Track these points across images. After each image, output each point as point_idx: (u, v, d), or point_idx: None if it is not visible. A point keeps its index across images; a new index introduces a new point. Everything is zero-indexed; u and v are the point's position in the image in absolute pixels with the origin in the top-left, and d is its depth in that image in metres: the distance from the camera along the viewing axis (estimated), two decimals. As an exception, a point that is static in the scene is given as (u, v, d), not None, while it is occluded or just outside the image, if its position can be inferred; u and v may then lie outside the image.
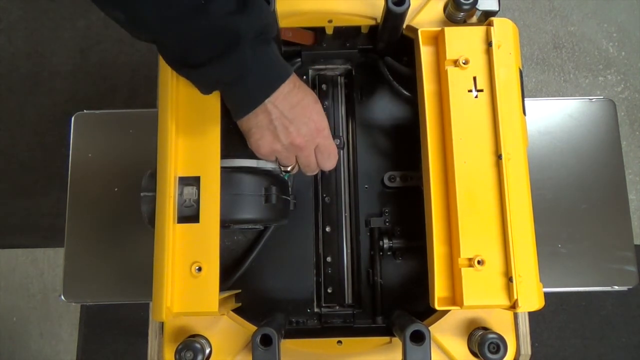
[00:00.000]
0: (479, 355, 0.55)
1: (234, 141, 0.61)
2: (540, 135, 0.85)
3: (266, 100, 0.54)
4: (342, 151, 0.73)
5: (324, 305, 0.69)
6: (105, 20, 1.59)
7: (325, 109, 0.73)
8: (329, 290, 0.70)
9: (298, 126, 0.56)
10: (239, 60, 0.50)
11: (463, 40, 0.59)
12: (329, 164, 0.62)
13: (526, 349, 0.66)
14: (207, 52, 0.50)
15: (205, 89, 0.56)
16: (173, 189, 0.55)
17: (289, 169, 0.62)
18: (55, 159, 1.51)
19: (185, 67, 0.52)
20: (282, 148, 0.58)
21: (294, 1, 0.66)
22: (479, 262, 0.55)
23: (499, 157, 0.56)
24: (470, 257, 0.55)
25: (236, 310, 0.62)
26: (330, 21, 0.66)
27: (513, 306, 0.54)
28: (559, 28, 1.60)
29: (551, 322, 1.41)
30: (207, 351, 0.58)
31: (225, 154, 0.59)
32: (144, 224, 0.58)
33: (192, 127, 0.58)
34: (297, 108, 0.56)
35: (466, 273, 0.55)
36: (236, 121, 0.57)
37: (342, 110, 0.74)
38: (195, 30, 0.48)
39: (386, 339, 0.60)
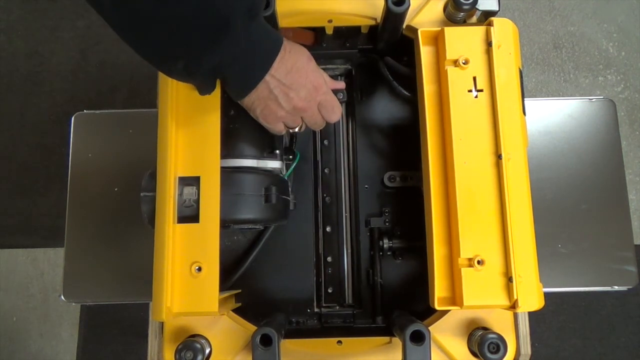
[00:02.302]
0: (479, 355, 0.55)
1: (234, 141, 0.62)
2: (540, 135, 0.85)
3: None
4: (342, 149, 0.73)
5: (324, 305, 0.69)
6: (105, 20, 1.59)
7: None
8: (329, 290, 0.70)
9: (297, 90, 0.56)
10: (232, 42, 0.49)
11: (463, 40, 0.59)
12: (334, 117, 0.62)
13: (526, 349, 0.66)
14: (198, 37, 0.48)
15: (204, 81, 0.55)
16: (173, 189, 0.55)
17: (296, 129, 0.62)
18: (55, 159, 1.51)
19: (179, 61, 0.50)
20: (287, 114, 0.57)
21: (294, 1, 0.66)
22: (478, 262, 0.55)
23: (499, 157, 0.56)
24: (470, 257, 0.55)
25: (236, 310, 0.62)
26: (330, 21, 0.66)
27: (513, 306, 0.54)
28: (559, 28, 1.60)
29: (551, 322, 1.41)
30: (207, 351, 0.58)
31: (225, 154, 0.59)
32: (144, 224, 0.58)
33: (192, 128, 0.58)
34: (293, 72, 0.55)
35: (466, 273, 0.55)
36: (238, 101, 0.57)
37: (342, 110, 0.74)
38: (187, 11, 0.45)
39: (386, 339, 0.60)
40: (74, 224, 0.82)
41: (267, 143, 0.64)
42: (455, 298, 0.56)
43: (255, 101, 0.56)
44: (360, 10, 0.66)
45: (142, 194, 0.57)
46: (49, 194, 1.50)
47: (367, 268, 0.70)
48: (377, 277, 0.69)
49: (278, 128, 0.60)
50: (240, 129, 0.62)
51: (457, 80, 0.59)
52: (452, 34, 0.59)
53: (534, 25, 1.60)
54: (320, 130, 0.73)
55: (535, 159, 0.83)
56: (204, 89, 0.56)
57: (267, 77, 0.54)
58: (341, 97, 0.64)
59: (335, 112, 0.61)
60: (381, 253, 0.69)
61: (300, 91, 0.56)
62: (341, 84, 0.65)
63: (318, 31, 0.69)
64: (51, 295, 1.46)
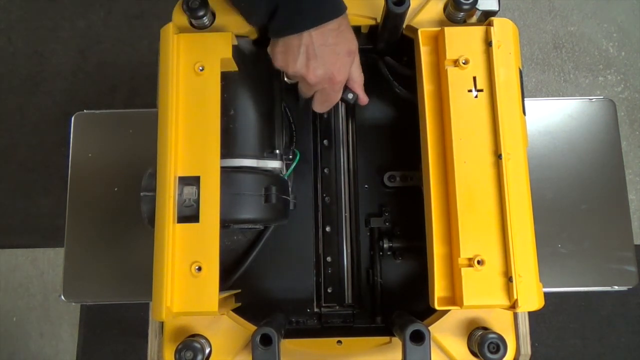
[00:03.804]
0: (479, 355, 0.55)
1: (234, 141, 0.62)
2: (540, 135, 0.85)
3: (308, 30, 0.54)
4: (342, 149, 0.73)
5: (324, 305, 0.69)
6: (105, 20, 1.59)
7: (325, 109, 0.73)
8: (329, 290, 0.70)
9: (317, 65, 0.56)
10: None
11: (463, 40, 0.59)
12: (319, 108, 0.64)
13: (526, 349, 0.66)
14: None
15: (264, 4, 0.54)
16: (173, 189, 0.55)
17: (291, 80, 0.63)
18: (55, 159, 1.51)
19: None
20: (292, 72, 0.58)
21: (294, 1, 0.66)
22: (479, 262, 0.55)
23: (498, 157, 0.56)
24: (470, 257, 0.55)
25: (236, 310, 0.62)
26: (330, 21, 0.66)
27: (513, 306, 0.54)
28: (559, 28, 1.60)
29: (551, 322, 1.41)
30: (207, 351, 0.58)
31: (225, 153, 0.59)
32: (144, 224, 0.58)
33: (192, 127, 0.58)
34: (327, 49, 0.55)
35: (466, 273, 0.55)
36: (272, 37, 0.58)
37: (342, 110, 0.74)
38: None
39: (386, 339, 0.60)
40: (74, 224, 0.82)
41: (267, 143, 0.64)
42: (455, 298, 0.56)
43: (281, 45, 0.56)
44: (360, 10, 0.66)
45: (142, 194, 0.57)
46: (49, 194, 1.50)
47: (367, 268, 0.70)
48: (377, 277, 0.69)
49: (277, 64, 0.59)
50: (240, 129, 0.62)
51: (457, 80, 0.59)
52: (452, 34, 0.59)
53: (534, 25, 1.60)
54: (320, 130, 0.73)
55: (535, 159, 0.83)
56: (256, 13, 0.56)
57: (305, 34, 0.54)
58: (350, 97, 0.65)
59: (324, 107, 0.63)
60: (381, 253, 0.69)
61: (319, 69, 0.56)
62: (363, 99, 0.66)
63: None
64: (51, 295, 1.46)
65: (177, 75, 0.59)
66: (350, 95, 0.65)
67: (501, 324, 0.59)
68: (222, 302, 0.57)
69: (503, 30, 0.59)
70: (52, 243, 1.47)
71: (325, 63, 0.56)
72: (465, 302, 0.54)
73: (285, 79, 0.62)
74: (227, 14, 0.64)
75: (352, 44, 0.58)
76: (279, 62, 0.58)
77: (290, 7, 0.53)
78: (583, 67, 1.57)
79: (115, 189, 0.83)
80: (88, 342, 1.42)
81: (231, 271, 0.67)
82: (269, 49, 0.59)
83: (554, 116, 0.86)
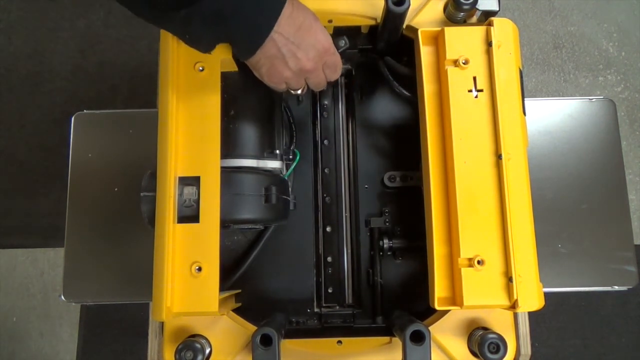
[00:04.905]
0: (479, 355, 0.55)
1: (234, 141, 0.62)
2: (540, 135, 0.85)
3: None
4: (342, 149, 0.73)
5: (324, 305, 0.69)
6: (105, 20, 1.59)
7: (325, 109, 0.73)
8: (329, 290, 0.70)
9: (306, 50, 0.54)
10: None
11: (463, 40, 0.59)
12: (334, 76, 0.61)
13: (526, 349, 0.66)
14: None
15: (206, 33, 0.52)
16: (173, 189, 0.55)
17: (299, 92, 0.60)
18: (55, 159, 1.51)
19: (182, 9, 0.47)
20: (292, 74, 0.56)
21: (294, 1, 0.66)
22: (479, 262, 0.55)
23: (499, 157, 0.56)
24: (470, 257, 0.55)
25: (236, 310, 0.62)
26: (330, 21, 0.66)
27: (513, 306, 0.54)
28: (559, 28, 1.60)
29: (551, 322, 1.41)
30: (207, 351, 0.58)
31: (225, 154, 0.59)
32: (144, 224, 0.58)
33: (192, 127, 0.58)
34: (301, 31, 0.53)
35: (466, 273, 0.55)
36: (245, 61, 0.55)
37: (342, 110, 0.74)
38: None
39: (386, 339, 0.60)
40: (74, 224, 0.82)
41: (267, 143, 0.64)
42: (455, 298, 0.56)
43: (262, 59, 0.54)
44: (360, 10, 0.66)
45: (142, 194, 0.57)
46: (49, 194, 1.50)
47: (367, 268, 0.70)
48: (377, 277, 0.69)
49: (281, 87, 0.58)
50: (240, 129, 0.62)
51: (457, 80, 0.59)
52: (452, 34, 0.59)
53: (534, 25, 1.60)
54: (320, 130, 0.73)
55: (535, 159, 0.83)
56: (203, 42, 0.54)
57: (275, 35, 0.52)
58: (343, 44, 0.61)
59: (337, 71, 0.60)
60: (381, 253, 0.69)
61: (310, 52, 0.54)
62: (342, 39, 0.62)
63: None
64: (51, 295, 1.46)
65: (177, 75, 0.59)
66: (342, 42, 0.61)
67: (501, 324, 0.59)
68: (222, 302, 0.57)
69: (503, 30, 0.59)
70: (52, 243, 1.47)
71: (309, 43, 0.54)
72: (466, 302, 0.54)
73: (293, 92, 0.59)
74: (227, 14, 0.64)
75: (310, 11, 0.55)
76: (272, 77, 0.56)
77: (242, 19, 0.50)
78: (583, 67, 1.57)
79: (115, 189, 0.83)
80: (88, 342, 1.42)
81: (231, 271, 0.67)
82: (257, 75, 0.57)
83: (554, 116, 0.86)
